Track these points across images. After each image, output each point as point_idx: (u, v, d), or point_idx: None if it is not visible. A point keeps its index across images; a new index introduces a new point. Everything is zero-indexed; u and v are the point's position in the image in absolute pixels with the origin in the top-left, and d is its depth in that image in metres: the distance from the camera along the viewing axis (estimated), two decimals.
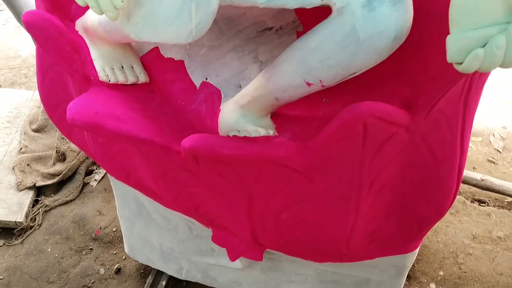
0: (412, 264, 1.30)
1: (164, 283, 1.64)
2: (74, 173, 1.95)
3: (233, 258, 1.37)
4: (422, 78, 0.80)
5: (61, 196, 1.90)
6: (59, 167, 1.93)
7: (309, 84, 0.76)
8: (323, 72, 0.73)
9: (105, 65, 0.94)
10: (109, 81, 0.94)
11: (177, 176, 0.98)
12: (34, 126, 2.09)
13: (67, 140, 1.98)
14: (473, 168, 2.08)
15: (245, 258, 1.41)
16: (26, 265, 1.75)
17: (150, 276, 1.66)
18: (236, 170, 0.86)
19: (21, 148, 2.02)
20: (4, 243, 1.82)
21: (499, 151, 2.15)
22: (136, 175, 1.14)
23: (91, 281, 1.70)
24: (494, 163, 2.09)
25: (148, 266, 1.70)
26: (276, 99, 0.83)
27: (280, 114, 0.93)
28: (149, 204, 1.42)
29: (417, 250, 1.28)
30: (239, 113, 0.89)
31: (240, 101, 0.89)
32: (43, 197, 1.92)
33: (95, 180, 1.97)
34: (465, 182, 1.92)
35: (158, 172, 1.01)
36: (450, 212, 1.82)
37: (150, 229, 1.51)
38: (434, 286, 1.61)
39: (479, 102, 0.97)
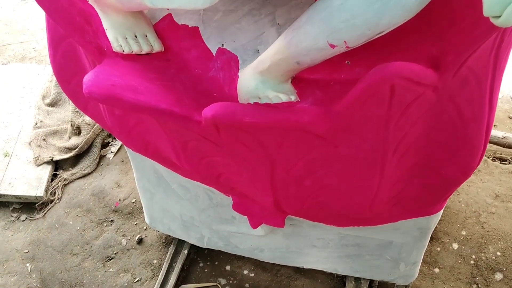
0: (435, 225, 1.29)
1: (186, 251, 1.66)
2: (90, 146, 1.94)
3: (254, 226, 1.37)
4: (450, 34, 0.76)
5: (79, 169, 1.91)
6: (75, 140, 1.93)
7: (333, 46, 0.73)
8: (348, 32, 0.69)
9: (117, 35, 0.91)
10: (123, 51, 0.92)
11: (198, 146, 0.96)
12: (47, 101, 2.08)
13: (81, 113, 1.97)
14: (494, 125, 2.03)
15: (267, 225, 1.41)
16: (50, 239, 1.77)
17: (172, 245, 1.67)
18: (258, 138, 0.84)
19: (36, 123, 2.01)
20: (26, 218, 1.84)
21: None
22: (155, 146, 1.13)
23: (114, 252, 1.72)
24: None
25: (170, 236, 1.71)
26: (297, 63, 0.79)
27: (301, 79, 0.90)
28: (168, 175, 1.41)
29: (441, 211, 1.26)
30: (259, 79, 0.86)
31: (259, 66, 0.86)
32: (61, 171, 1.92)
33: (112, 152, 1.97)
34: None
35: (178, 142, 0.99)
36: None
37: (170, 199, 1.51)
38: (457, 246, 1.60)
39: (507, 62, 0.92)
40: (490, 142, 1.88)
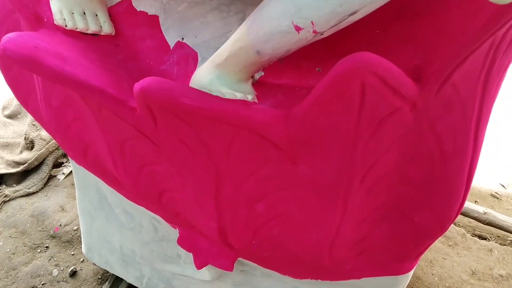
0: None
1: None
2: (41, 163, 1.78)
3: (199, 266, 1.19)
4: (436, 42, 0.66)
5: (24, 187, 1.73)
6: (26, 155, 1.77)
7: (298, 29, 0.61)
8: (316, 9, 0.58)
9: (63, 7, 0.80)
10: (66, 26, 0.80)
11: (136, 147, 0.82)
12: (6, 112, 1.94)
13: (38, 127, 1.82)
14: (475, 201, 1.93)
15: (214, 267, 1.23)
16: None
17: (107, 283, 1.47)
18: (201, 136, 0.70)
19: None
20: None
21: (504, 187, 2.00)
22: (94, 150, 0.98)
23: (42, 283, 1.51)
24: (498, 198, 1.93)
25: (107, 272, 1.51)
26: (257, 53, 0.68)
27: (263, 82, 0.78)
28: (112, 197, 1.25)
29: (411, 274, 1.11)
30: (214, 73, 0.74)
31: (216, 59, 0.74)
32: (4, 186, 1.74)
33: (63, 173, 1.80)
34: (466, 215, 1.75)
35: (115, 142, 0.85)
36: (448, 244, 1.65)
37: (111, 226, 1.34)
38: None
39: (497, 95, 0.82)
40: (470, 217, 1.76)
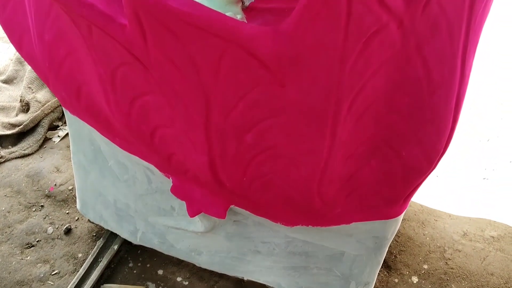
0: (393, 237, 1.14)
1: (116, 247, 1.47)
2: (37, 126, 1.79)
3: (193, 213, 1.20)
4: None
5: (19, 148, 1.74)
6: (21, 117, 1.77)
7: None
8: None
9: None
10: None
11: (127, 75, 0.83)
12: (2, 77, 1.94)
13: (33, 90, 1.83)
14: None
15: (207, 217, 1.24)
16: None
17: (101, 239, 1.48)
18: (189, 52, 0.71)
19: None
20: None
21: None
22: (87, 89, 0.99)
23: (36, 239, 1.52)
24: None
25: (101, 229, 1.53)
26: None
27: (253, 8, 0.79)
28: (106, 147, 1.26)
29: (400, 219, 1.12)
30: None
31: None
32: None
33: (58, 136, 1.81)
34: None
35: (106, 72, 0.86)
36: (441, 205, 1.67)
37: (105, 180, 1.35)
38: (417, 279, 1.44)
39: (485, 21, 0.83)
40: None
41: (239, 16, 0.73)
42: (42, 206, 1.61)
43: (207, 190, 1.11)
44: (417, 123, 0.84)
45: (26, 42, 1.05)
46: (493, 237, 1.58)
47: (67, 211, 1.59)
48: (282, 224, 1.15)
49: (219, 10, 0.74)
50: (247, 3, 0.79)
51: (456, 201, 1.69)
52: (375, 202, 1.03)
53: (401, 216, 1.10)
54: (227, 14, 0.73)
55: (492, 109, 2.02)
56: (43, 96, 1.80)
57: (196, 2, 0.66)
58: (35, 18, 0.92)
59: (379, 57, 0.74)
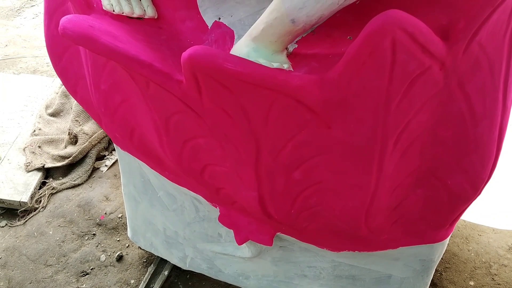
0: (439, 259, 1.15)
1: (166, 273, 1.52)
2: (85, 157, 1.87)
3: (240, 241, 1.25)
4: (461, 1, 0.69)
5: (69, 179, 1.82)
6: (70, 149, 1.86)
7: None
8: None
9: None
10: (113, 11, 0.87)
11: (181, 121, 0.89)
12: (50, 110, 2.04)
13: (81, 122, 1.92)
14: None
15: (254, 243, 1.29)
16: (26, 247, 1.66)
17: (152, 265, 1.54)
18: (241, 103, 0.75)
19: (34, 131, 1.97)
20: (6, 224, 1.74)
21: None
22: (140, 131, 1.05)
23: (91, 267, 1.60)
24: None
25: (152, 255, 1.59)
26: (292, 22, 0.73)
27: (297, 53, 0.83)
28: (155, 180, 1.32)
29: (446, 243, 1.14)
30: (251, 46, 0.79)
31: (253, 32, 0.79)
32: (51, 179, 1.84)
33: (106, 166, 1.89)
34: None
35: (161, 118, 0.91)
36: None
37: (155, 209, 1.41)
38: None
39: None
40: None
41: (285, 65, 0.77)
42: (94, 234, 1.68)
43: (253, 218, 1.16)
44: (461, 153, 0.87)
45: (80, 88, 1.12)
46: None
47: (118, 239, 1.67)
48: (328, 249, 1.18)
49: (267, 60, 0.79)
50: (290, 49, 0.83)
51: (500, 215, 1.69)
52: (421, 228, 1.05)
53: (447, 240, 1.11)
54: (274, 64, 0.77)
55: None
56: (89, 128, 1.89)
57: (247, 60, 0.71)
58: (92, 69, 0.99)
59: (423, 96, 0.77)
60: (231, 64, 0.67)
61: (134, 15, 0.88)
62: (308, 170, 0.89)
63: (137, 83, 0.85)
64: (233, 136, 0.84)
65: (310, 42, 0.83)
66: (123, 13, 0.87)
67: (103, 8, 0.87)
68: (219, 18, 0.90)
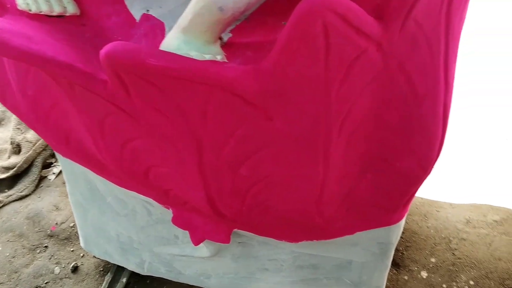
0: (397, 241, 1.14)
1: (125, 280, 1.47)
2: (30, 165, 1.78)
3: (196, 242, 1.21)
4: None
5: (16, 191, 1.73)
6: (14, 159, 1.77)
7: None
8: None
9: None
10: (30, 10, 0.80)
11: (114, 123, 0.83)
12: None
13: (23, 130, 1.82)
14: None
15: (211, 242, 1.25)
16: None
17: (109, 274, 1.48)
18: (174, 100, 0.71)
19: None
20: None
21: None
22: (75, 136, 0.99)
23: (45, 281, 1.52)
24: None
25: (108, 263, 1.53)
26: (220, 10, 0.68)
27: (232, 43, 0.79)
28: (102, 185, 1.26)
29: (402, 223, 1.13)
30: (181, 39, 0.74)
31: (181, 23, 0.74)
32: None
33: (53, 173, 1.80)
34: None
35: (93, 122, 0.86)
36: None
37: (105, 215, 1.34)
38: (426, 274, 1.45)
39: (462, 30, 0.83)
40: None
41: (219, 56, 0.73)
42: (46, 246, 1.60)
43: (208, 218, 1.11)
44: (407, 135, 0.85)
45: (9, 96, 1.04)
46: (496, 221, 1.60)
47: (71, 249, 1.59)
48: (287, 241, 1.16)
49: (198, 52, 0.74)
50: (225, 39, 0.79)
51: (455, 189, 1.71)
52: (375, 212, 1.03)
53: (403, 220, 1.10)
54: (207, 56, 0.73)
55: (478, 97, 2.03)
56: (33, 135, 1.80)
57: (174, 54, 0.66)
58: (16, 75, 0.92)
59: (363, 80, 0.74)
60: (154, 59, 0.62)
61: (54, 14, 0.81)
62: (254, 165, 0.85)
63: (62, 86, 0.79)
64: (172, 136, 0.79)
65: (245, 30, 0.79)
66: (41, 12, 0.80)
67: (18, 7, 0.80)
68: (148, 11, 0.85)
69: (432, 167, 0.93)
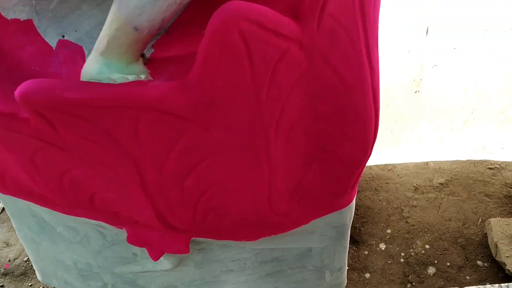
0: (351, 221, 1.18)
1: None
2: None
3: (156, 257, 1.19)
4: None
5: None
6: None
7: None
8: None
9: None
10: None
11: (46, 157, 0.80)
12: None
13: None
14: None
15: (171, 254, 1.24)
16: None
17: None
18: (103, 128, 0.69)
19: None
20: None
21: None
22: (10, 174, 0.94)
23: None
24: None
25: None
26: (135, 30, 0.67)
27: (155, 59, 0.77)
28: (49, 217, 1.21)
29: (353, 204, 1.16)
30: (101, 62, 0.72)
31: (99, 47, 0.72)
32: None
33: None
34: None
35: (25, 158, 0.82)
36: (388, 169, 1.73)
37: (58, 245, 1.30)
38: (384, 246, 1.50)
39: (379, 11, 0.86)
40: None
41: (143, 76, 0.71)
42: (2, 286, 1.54)
43: (163, 231, 1.10)
44: (343, 123, 0.87)
45: None
46: (441, 184, 1.67)
47: (29, 284, 1.53)
48: (246, 240, 1.17)
49: (121, 73, 0.72)
50: (148, 55, 0.77)
51: (402, 151, 1.77)
52: (326, 199, 1.06)
53: (353, 202, 1.14)
54: (130, 77, 0.71)
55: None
56: None
57: (92, 83, 0.64)
58: None
59: (290, 79, 0.75)
60: (72, 92, 0.60)
61: None
62: (200, 176, 0.84)
63: None
64: (108, 163, 0.77)
65: (166, 43, 0.78)
66: None
67: None
68: (63, 36, 0.82)
69: (371, 149, 0.96)
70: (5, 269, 1.56)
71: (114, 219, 1.07)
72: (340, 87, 0.82)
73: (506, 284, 1.01)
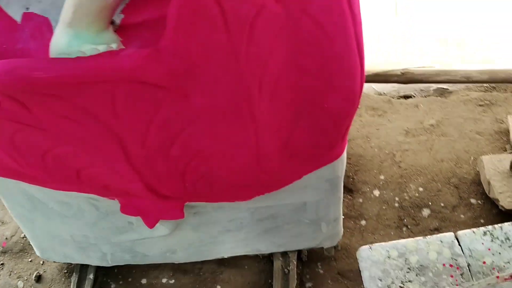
0: (344, 172, 1.17)
1: (92, 276, 1.45)
2: None
3: (151, 225, 1.19)
4: None
5: None
6: None
7: None
8: None
9: None
10: None
11: (25, 138, 0.77)
12: None
13: None
14: None
15: (166, 220, 1.23)
16: None
17: (74, 274, 1.45)
18: (79, 105, 0.66)
19: None
20: None
21: None
22: None
23: None
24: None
25: (71, 264, 1.49)
26: None
27: (126, 25, 0.73)
28: (40, 194, 1.20)
29: (344, 156, 1.15)
30: (69, 34, 0.68)
31: (65, 18, 0.68)
32: None
33: None
34: (386, 81, 1.81)
35: (4, 140, 0.79)
36: (378, 115, 1.72)
37: (53, 221, 1.29)
38: (378, 193, 1.51)
39: None
40: (391, 82, 1.81)
41: (114, 45, 0.68)
42: (2, 264, 1.54)
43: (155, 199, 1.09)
44: (327, 75, 0.84)
45: None
46: (432, 125, 1.66)
47: (29, 259, 1.54)
48: (240, 201, 1.16)
49: (91, 43, 0.68)
50: (118, 22, 0.73)
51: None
52: (317, 153, 1.05)
53: (345, 153, 1.13)
54: (100, 47, 0.68)
55: None
56: None
57: (62, 60, 0.60)
58: None
59: (270, 35, 0.72)
60: (40, 72, 0.56)
61: None
62: (184, 144, 0.82)
63: None
64: (90, 139, 0.75)
65: (137, 8, 0.74)
66: None
67: None
68: (28, 8, 0.77)
69: (358, 99, 0.93)
70: (2, 247, 1.56)
71: (104, 191, 1.06)
72: (321, 38, 0.78)
73: (500, 224, 1.01)
